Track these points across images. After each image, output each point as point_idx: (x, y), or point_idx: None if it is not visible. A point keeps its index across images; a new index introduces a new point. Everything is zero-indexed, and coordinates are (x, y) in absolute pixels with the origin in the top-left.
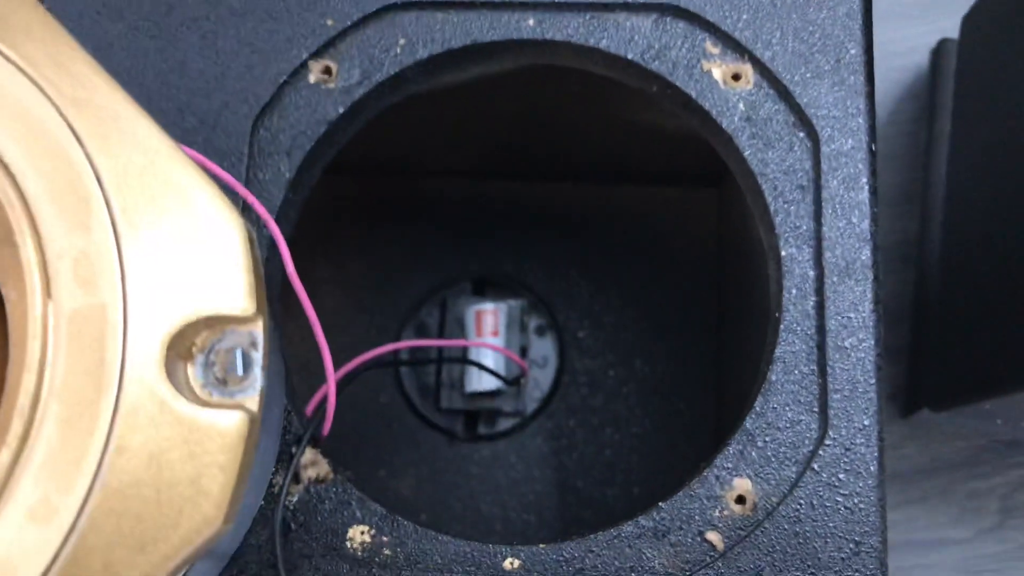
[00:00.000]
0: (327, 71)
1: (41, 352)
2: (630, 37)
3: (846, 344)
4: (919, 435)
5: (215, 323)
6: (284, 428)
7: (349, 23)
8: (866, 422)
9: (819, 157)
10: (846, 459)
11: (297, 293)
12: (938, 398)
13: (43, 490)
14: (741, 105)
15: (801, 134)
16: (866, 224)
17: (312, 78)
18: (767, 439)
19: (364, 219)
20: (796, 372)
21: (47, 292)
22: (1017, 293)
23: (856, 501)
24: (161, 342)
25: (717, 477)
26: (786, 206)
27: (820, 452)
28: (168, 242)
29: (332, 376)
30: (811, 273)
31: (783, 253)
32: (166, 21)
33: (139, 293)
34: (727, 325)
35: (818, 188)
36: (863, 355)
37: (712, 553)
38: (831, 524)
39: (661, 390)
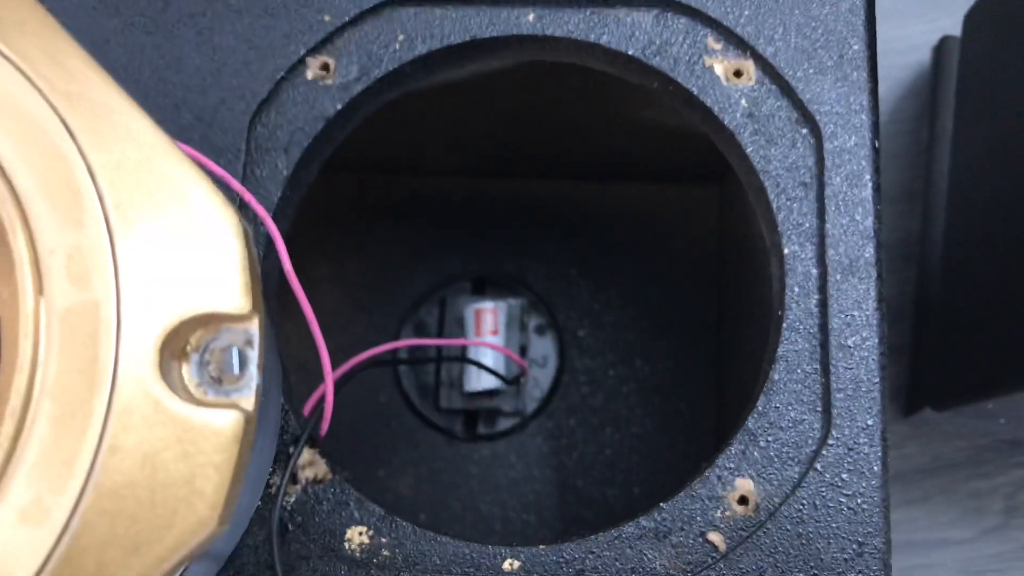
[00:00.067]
0: (325, 67)
1: (33, 350)
2: (631, 33)
3: (849, 343)
4: (921, 435)
5: (210, 321)
6: (282, 428)
7: (347, 19)
8: (870, 422)
9: (822, 154)
10: (849, 459)
11: (295, 291)
12: (940, 397)
13: (35, 490)
14: (743, 101)
15: (804, 131)
16: (870, 221)
17: (310, 74)
18: (769, 439)
19: (362, 217)
20: (799, 371)
21: (39, 289)
22: (1020, 291)
23: (859, 501)
24: (155, 340)
25: (719, 477)
26: (789, 203)
27: (823, 452)
28: (163, 239)
29: (330, 375)
30: (814, 271)
31: (786, 251)
32: (163, 17)
33: (133, 290)
34: (728, 324)
35: (821, 185)
36: (867, 354)
37: (714, 554)
38: (834, 525)
39: (662, 389)
